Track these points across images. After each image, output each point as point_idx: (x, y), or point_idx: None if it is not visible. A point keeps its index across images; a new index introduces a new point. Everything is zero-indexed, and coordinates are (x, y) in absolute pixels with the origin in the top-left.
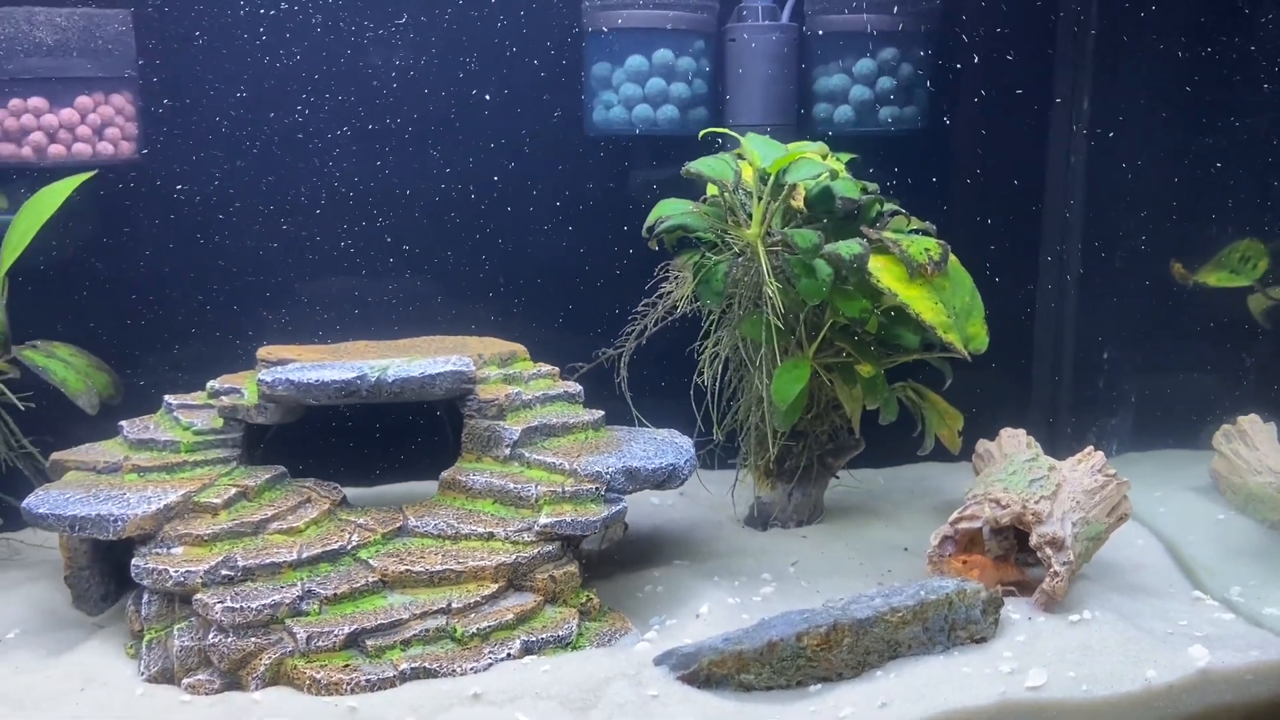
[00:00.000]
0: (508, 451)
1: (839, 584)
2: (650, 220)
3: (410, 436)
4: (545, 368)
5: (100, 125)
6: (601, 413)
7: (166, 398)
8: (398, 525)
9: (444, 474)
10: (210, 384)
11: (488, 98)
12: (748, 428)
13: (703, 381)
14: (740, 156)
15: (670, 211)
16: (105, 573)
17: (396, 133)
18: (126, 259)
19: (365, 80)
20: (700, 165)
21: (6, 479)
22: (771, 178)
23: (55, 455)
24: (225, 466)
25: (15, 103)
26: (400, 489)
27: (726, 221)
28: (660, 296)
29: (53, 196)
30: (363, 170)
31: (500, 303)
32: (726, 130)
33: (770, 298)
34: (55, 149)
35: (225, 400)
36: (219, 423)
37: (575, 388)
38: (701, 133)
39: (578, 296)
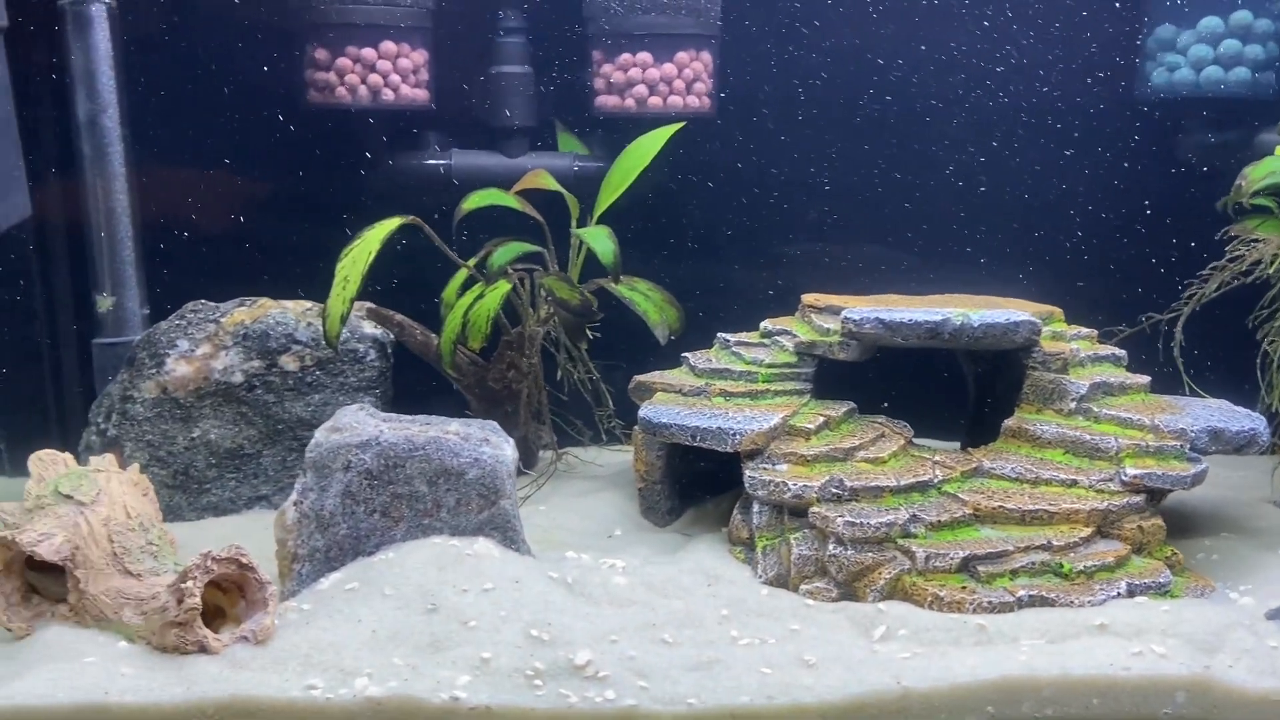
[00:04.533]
0: (1073, 405)
1: None
2: (1254, 177)
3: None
4: (1083, 330)
5: (691, 80)
6: (1148, 378)
7: (721, 334)
8: (973, 465)
9: (1006, 422)
10: (764, 324)
11: (1037, 64)
12: None
13: (1273, 350)
14: None
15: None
16: (672, 488)
17: (941, 100)
18: (691, 205)
19: (915, 47)
20: None
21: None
22: None
23: (638, 378)
24: (800, 398)
25: (625, 57)
26: None
27: None
28: (1231, 261)
29: (650, 144)
30: (902, 135)
31: (1028, 264)
32: None
33: None
34: (653, 100)
35: (788, 340)
36: (791, 358)
37: (1120, 351)
38: None
39: (1111, 261)
